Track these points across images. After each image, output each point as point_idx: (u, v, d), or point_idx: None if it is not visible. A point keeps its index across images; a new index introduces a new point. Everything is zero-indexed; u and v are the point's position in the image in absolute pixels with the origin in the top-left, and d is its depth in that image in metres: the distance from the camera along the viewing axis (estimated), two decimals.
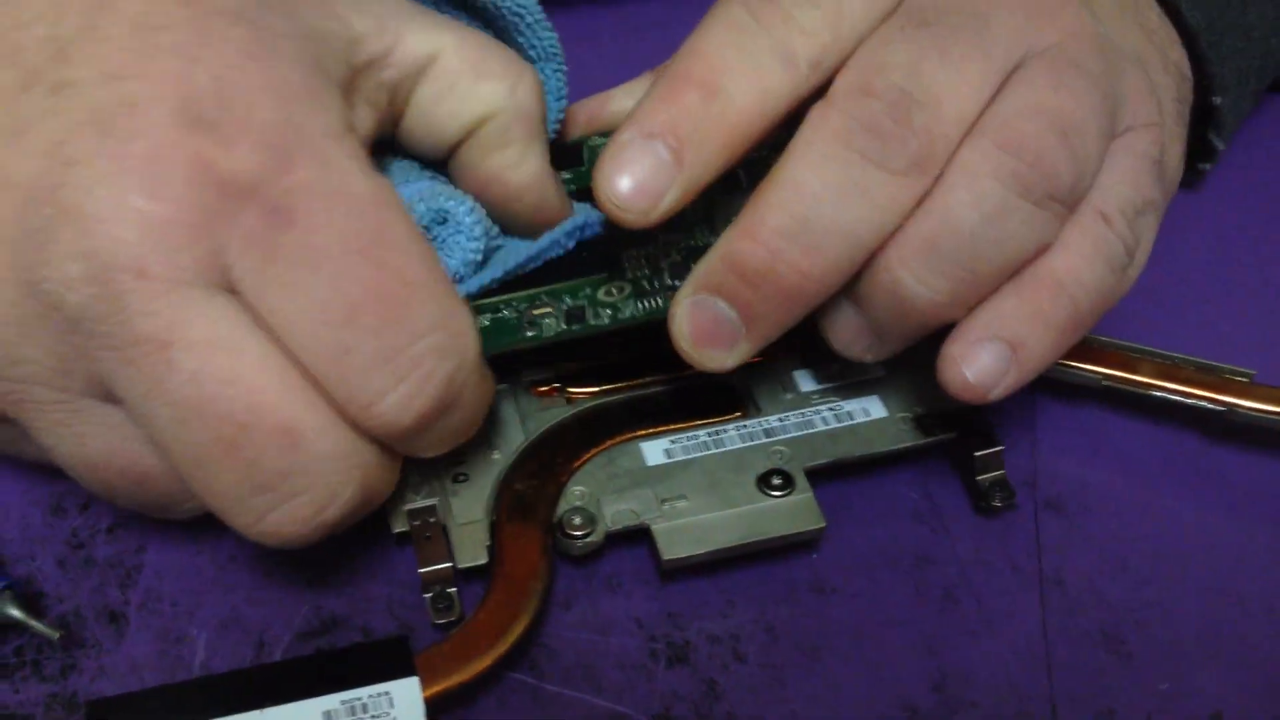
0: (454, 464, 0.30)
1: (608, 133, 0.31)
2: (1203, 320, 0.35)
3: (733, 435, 0.31)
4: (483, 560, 0.28)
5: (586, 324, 0.29)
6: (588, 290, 0.29)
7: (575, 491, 0.30)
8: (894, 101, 0.26)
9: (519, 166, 0.29)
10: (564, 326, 0.29)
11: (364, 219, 0.24)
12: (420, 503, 0.29)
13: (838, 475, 0.31)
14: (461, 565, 0.28)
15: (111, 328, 0.23)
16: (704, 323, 0.27)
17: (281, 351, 0.24)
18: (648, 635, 0.28)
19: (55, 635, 0.26)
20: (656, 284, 0.30)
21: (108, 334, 0.23)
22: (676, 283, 0.29)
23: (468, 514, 0.29)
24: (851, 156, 0.26)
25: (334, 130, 0.24)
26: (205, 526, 0.29)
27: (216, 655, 0.27)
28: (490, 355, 0.27)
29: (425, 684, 0.26)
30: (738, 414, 0.31)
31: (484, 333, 0.27)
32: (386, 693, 0.26)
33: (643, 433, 0.31)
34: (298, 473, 0.24)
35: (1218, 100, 0.37)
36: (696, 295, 0.27)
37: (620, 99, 0.33)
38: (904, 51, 0.26)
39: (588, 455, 0.30)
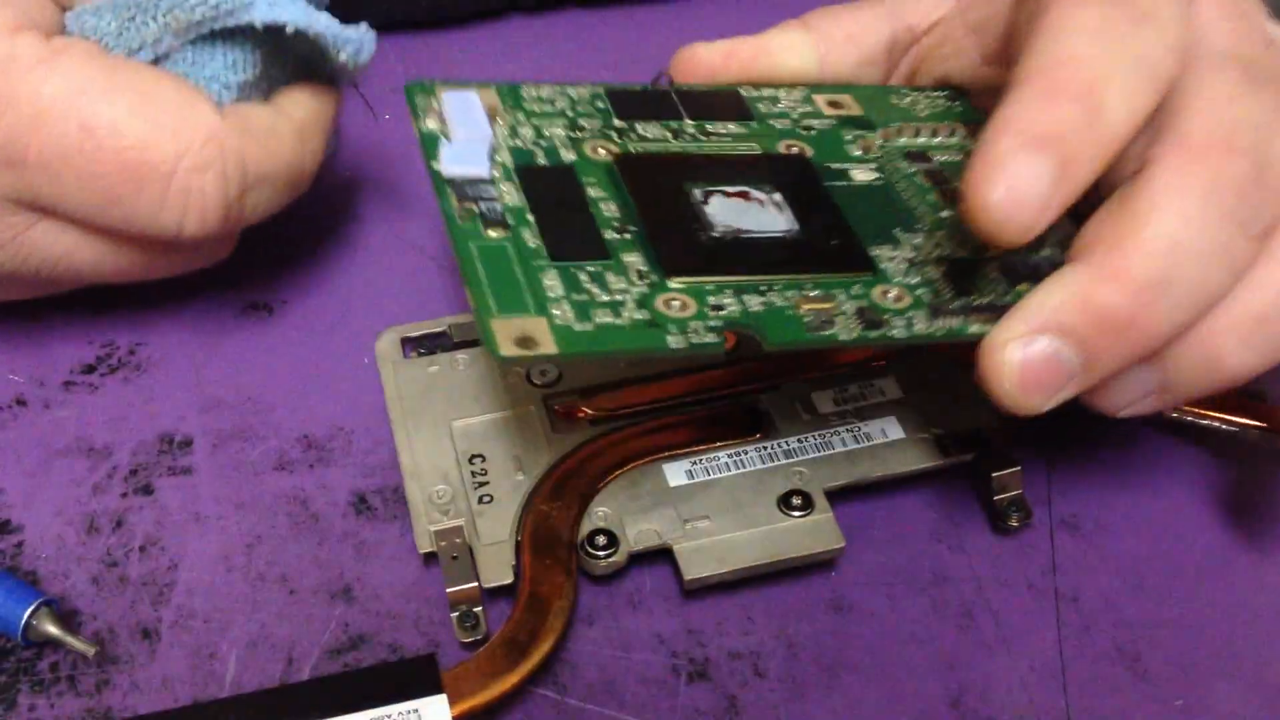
0: (480, 485, 0.31)
1: (764, 85, 0.32)
2: None
3: (753, 456, 0.32)
4: (508, 580, 0.29)
5: (883, 334, 0.26)
6: (858, 290, 0.27)
7: (599, 512, 0.30)
8: (1255, 163, 0.25)
9: None
10: (860, 333, 0.26)
11: None
12: (447, 524, 0.30)
13: (857, 495, 0.31)
14: (487, 585, 0.29)
15: None
16: (1039, 365, 0.26)
17: None
18: (669, 652, 0.29)
19: (91, 651, 0.27)
20: (939, 297, 0.27)
21: None
22: (966, 301, 0.27)
23: (493, 534, 0.30)
24: (1221, 216, 0.25)
25: None
26: (236, 547, 0.30)
27: (247, 671, 0.28)
28: (774, 347, 0.26)
29: (453, 702, 0.26)
30: (758, 435, 0.32)
31: (762, 319, 0.26)
32: (415, 710, 0.26)
33: (665, 454, 0.31)
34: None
35: None
36: (1036, 336, 0.26)
37: (780, 52, 0.32)
38: (1255, 109, 0.26)
39: (611, 476, 0.31)
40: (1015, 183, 0.25)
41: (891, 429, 0.32)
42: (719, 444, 0.32)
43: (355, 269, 0.37)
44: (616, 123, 0.30)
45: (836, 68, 0.33)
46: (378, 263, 0.37)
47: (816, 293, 0.27)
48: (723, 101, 0.32)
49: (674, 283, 0.26)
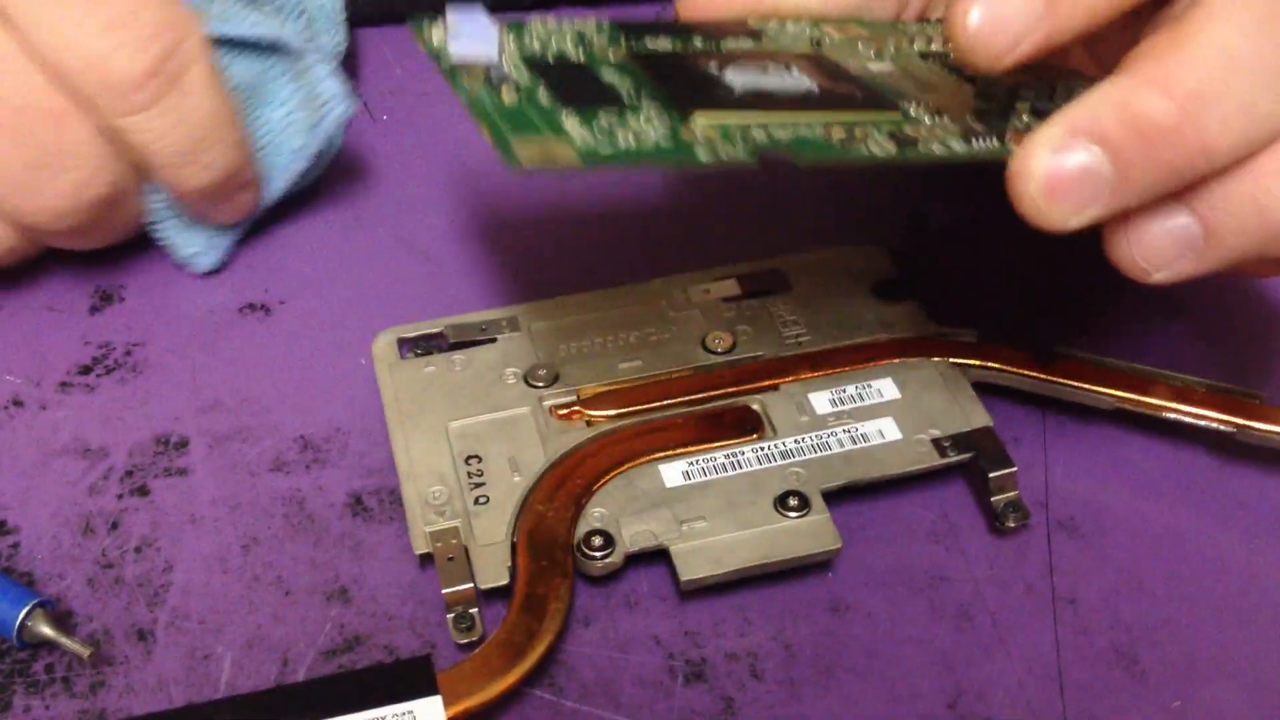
0: (476, 486, 0.30)
1: (771, 19, 0.32)
2: (1213, 342, 0.36)
3: (750, 457, 0.31)
4: (504, 581, 0.29)
5: (919, 151, 0.26)
6: (888, 123, 0.27)
7: (595, 513, 0.30)
8: None
9: None
10: (897, 150, 0.26)
11: None
12: (443, 524, 0.30)
13: (854, 496, 0.31)
14: (483, 586, 0.29)
15: None
16: (1068, 172, 0.25)
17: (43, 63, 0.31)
18: (666, 653, 0.29)
19: (86, 652, 0.27)
20: (973, 126, 0.27)
21: None
22: (1002, 126, 0.27)
23: (489, 535, 0.30)
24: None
25: None
26: (232, 548, 0.30)
27: (242, 673, 0.28)
28: (806, 163, 0.25)
29: (448, 703, 0.26)
30: (755, 436, 0.32)
31: (791, 143, 0.26)
32: (410, 712, 0.26)
33: (661, 455, 0.31)
34: (66, 151, 0.31)
35: None
36: (1069, 140, 0.25)
37: None
38: None
39: (607, 477, 0.31)
40: (992, 4, 0.25)
41: (889, 429, 0.32)
42: (716, 444, 0.32)
43: (353, 269, 0.37)
44: (625, 42, 0.30)
45: (843, 3, 0.33)
46: (376, 263, 0.37)
47: (846, 118, 0.26)
48: (732, 29, 0.32)
49: (699, 117, 0.26)
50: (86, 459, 0.32)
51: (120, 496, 0.31)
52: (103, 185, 0.33)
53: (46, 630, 0.27)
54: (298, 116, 0.36)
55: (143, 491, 0.31)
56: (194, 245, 0.36)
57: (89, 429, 0.32)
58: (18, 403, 0.33)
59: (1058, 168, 0.25)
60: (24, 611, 0.27)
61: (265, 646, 0.28)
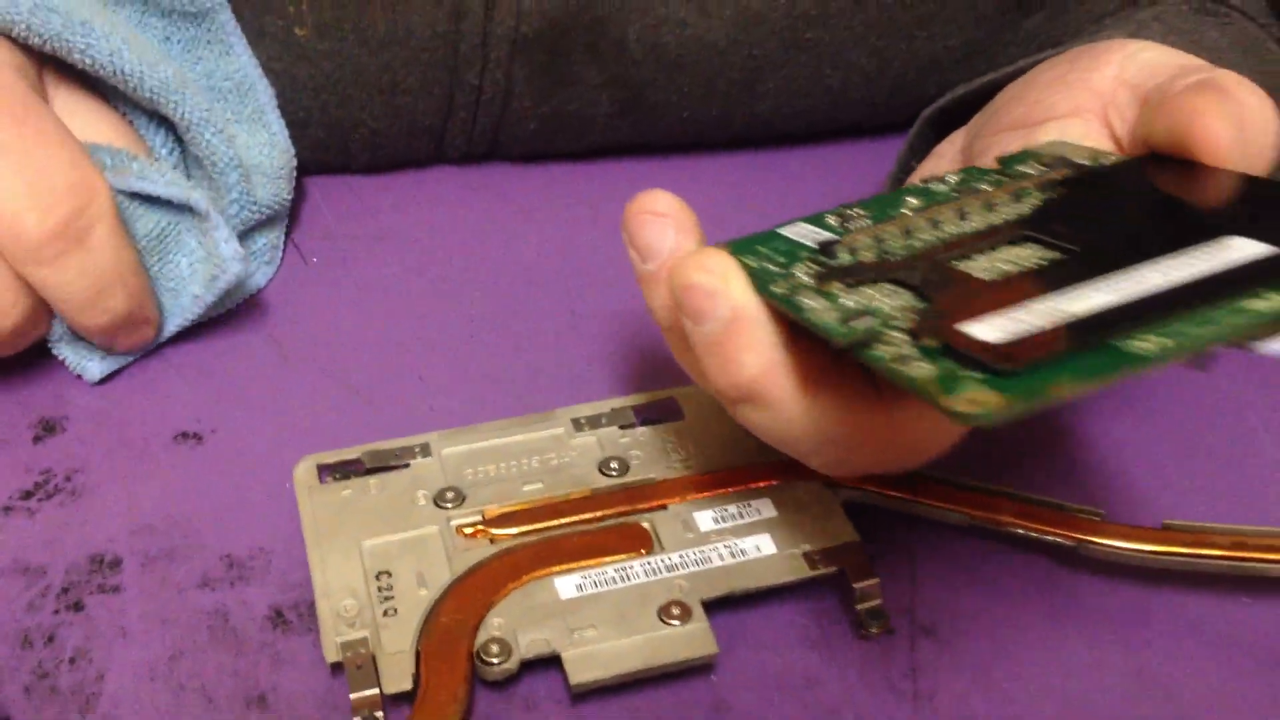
0: (385, 600, 0.33)
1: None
2: (1067, 465, 0.40)
3: (638, 570, 0.35)
4: (407, 686, 0.31)
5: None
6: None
7: (494, 622, 0.33)
8: None
9: None
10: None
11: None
12: (353, 635, 0.32)
13: (737, 605, 0.34)
14: (388, 691, 0.31)
15: None
16: None
17: None
18: None
19: None
20: None
21: None
22: None
23: (396, 645, 0.32)
24: None
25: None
26: (160, 658, 0.33)
27: None
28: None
29: None
30: (643, 551, 0.35)
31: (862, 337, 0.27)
32: None
33: (557, 569, 0.34)
34: None
35: None
36: None
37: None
38: None
39: (507, 590, 0.34)
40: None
41: (765, 545, 0.35)
42: (607, 559, 0.35)
43: (281, 400, 0.40)
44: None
45: None
46: (302, 394, 0.41)
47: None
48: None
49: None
50: (25, 577, 0.34)
51: (56, 612, 0.34)
52: (16, 316, 0.38)
53: None
54: (200, 269, 0.41)
55: (78, 607, 0.34)
56: (88, 361, 0.41)
57: (29, 550, 0.35)
58: None
59: None
60: None
61: None
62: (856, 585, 0.35)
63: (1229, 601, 0.36)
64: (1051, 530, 0.36)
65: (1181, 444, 0.41)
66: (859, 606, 0.35)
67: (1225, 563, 0.35)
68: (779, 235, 0.33)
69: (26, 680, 0.32)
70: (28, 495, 0.37)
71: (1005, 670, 0.34)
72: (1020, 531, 0.36)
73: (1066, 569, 0.36)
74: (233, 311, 0.44)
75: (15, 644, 0.33)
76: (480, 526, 0.36)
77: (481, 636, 0.33)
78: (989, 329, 0.26)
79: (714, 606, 0.34)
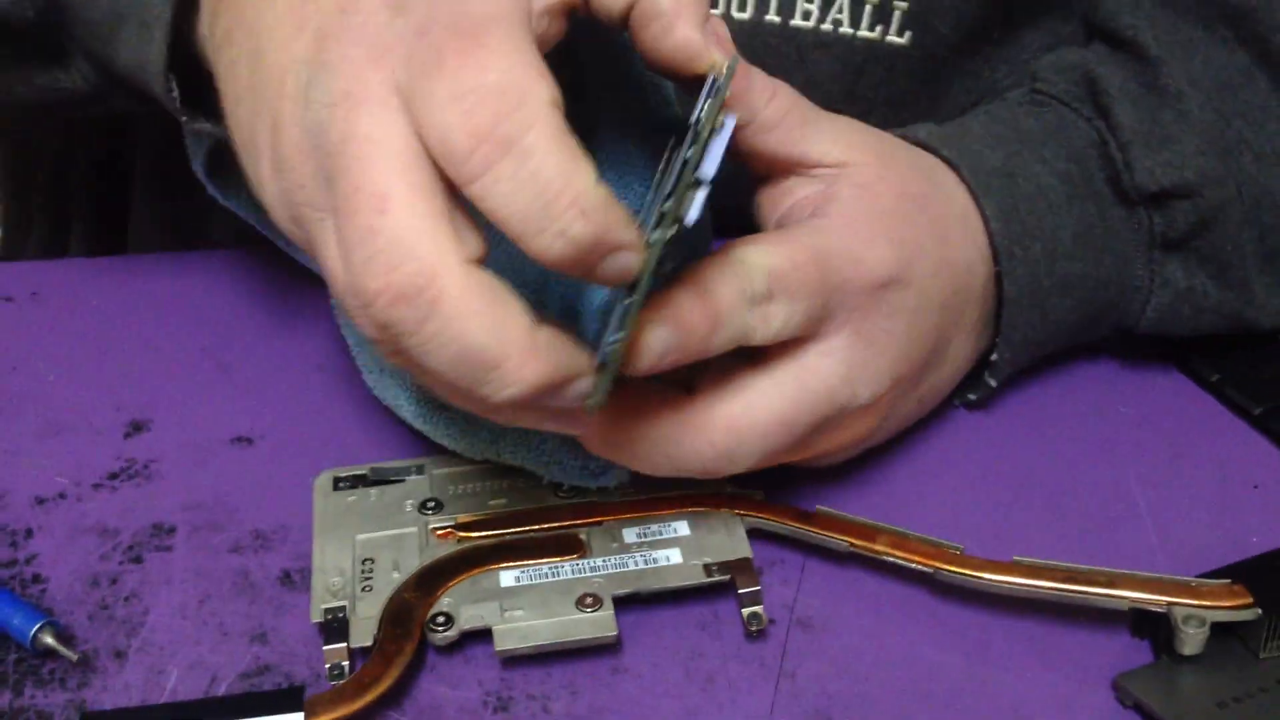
0: (365, 579, 0.43)
1: None
2: (948, 505, 0.47)
3: (567, 569, 0.43)
4: (368, 643, 0.40)
5: None
6: None
7: (444, 601, 0.42)
8: None
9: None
10: None
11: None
12: (334, 603, 0.42)
13: (648, 603, 0.43)
14: (354, 645, 0.40)
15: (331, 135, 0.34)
16: None
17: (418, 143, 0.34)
18: (484, 691, 0.40)
19: (74, 658, 0.40)
20: None
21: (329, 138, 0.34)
22: None
23: (366, 612, 0.41)
24: None
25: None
26: (192, 601, 0.43)
27: (183, 686, 0.40)
28: None
29: (309, 716, 0.38)
30: (575, 555, 0.44)
31: None
32: None
33: (503, 564, 0.43)
34: (382, 232, 0.33)
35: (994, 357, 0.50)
36: None
37: None
38: None
39: (460, 577, 0.43)
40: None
41: (674, 556, 0.44)
42: (544, 559, 0.44)
43: (320, 413, 0.51)
44: None
45: None
46: (337, 408, 0.51)
47: None
48: None
49: None
50: (102, 536, 0.45)
51: (121, 563, 0.44)
52: (405, 273, 0.34)
53: (50, 641, 0.40)
54: None
55: (138, 560, 0.44)
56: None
57: (108, 516, 0.46)
58: (62, 495, 0.47)
59: None
60: (36, 627, 0.40)
61: (203, 669, 0.41)
62: (741, 590, 0.43)
63: (1062, 625, 0.43)
64: (913, 558, 0.43)
65: (1066, 494, 0.49)
66: (743, 610, 0.43)
67: (1058, 592, 0.42)
68: None
69: (90, 610, 0.42)
70: (113, 476, 0.48)
71: (862, 659, 0.42)
72: (889, 558, 0.44)
73: (927, 590, 0.44)
74: (293, 336, 0.54)
75: (87, 584, 0.43)
76: (450, 529, 0.45)
77: (433, 610, 0.42)
78: None
79: (629, 602, 0.42)
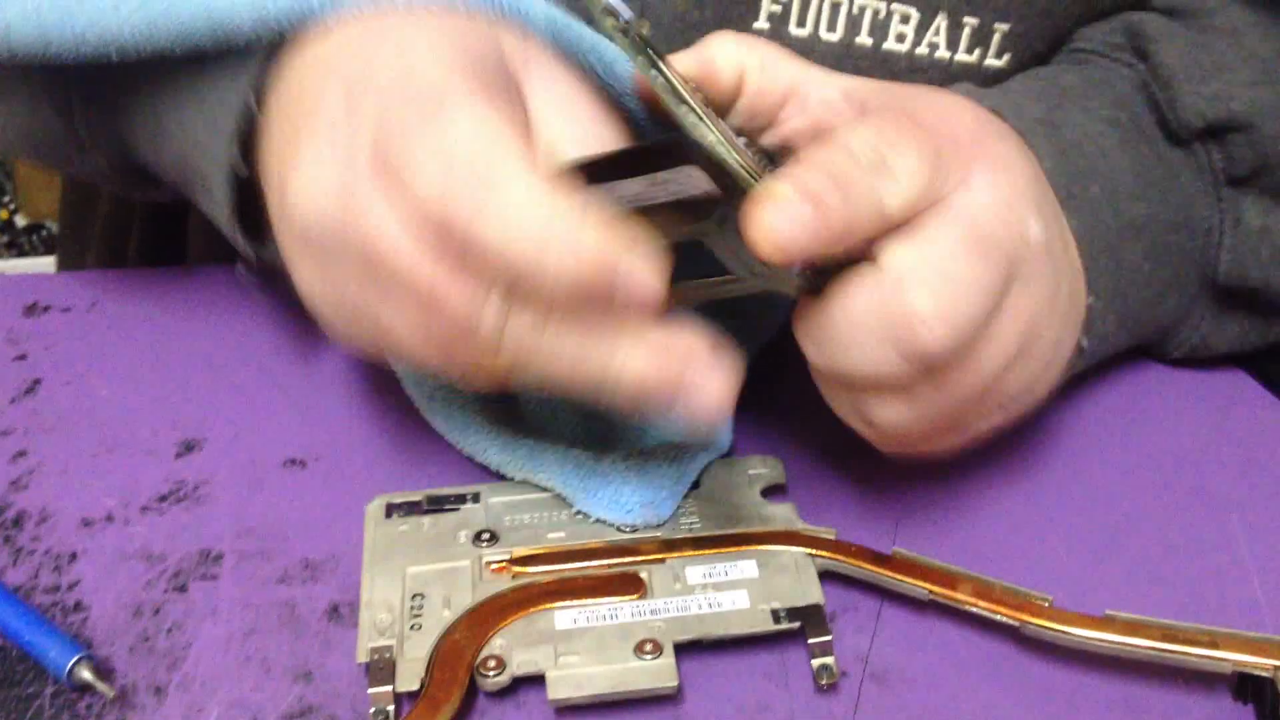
0: (415, 616, 0.41)
1: None
2: (1035, 551, 0.44)
3: (626, 611, 0.41)
4: (415, 687, 0.38)
5: None
6: None
7: (496, 643, 0.40)
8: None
9: None
10: None
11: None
12: (382, 642, 0.40)
13: (711, 649, 0.40)
14: (399, 690, 0.39)
15: None
16: None
17: None
18: None
19: (111, 694, 0.38)
20: None
21: None
22: None
23: (413, 653, 0.40)
24: None
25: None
26: (236, 634, 0.41)
27: None
28: None
29: None
30: (635, 595, 0.42)
31: None
32: None
33: (559, 604, 0.41)
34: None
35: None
36: None
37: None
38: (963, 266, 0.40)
39: (514, 617, 0.41)
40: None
41: (740, 599, 0.41)
42: (602, 599, 0.41)
43: (374, 438, 0.49)
44: None
45: None
46: (387, 434, 0.49)
47: None
48: None
49: None
50: (148, 562, 0.44)
51: (166, 591, 0.43)
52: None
53: (87, 676, 0.38)
54: None
55: (183, 589, 0.43)
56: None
57: (155, 541, 0.44)
58: (109, 518, 0.45)
59: None
60: (73, 661, 0.38)
61: (243, 708, 0.39)
62: (811, 640, 0.40)
63: (1157, 687, 0.40)
64: (999, 609, 0.41)
65: (1164, 541, 0.45)
66: (813, 661, 0.40)
67: (1154, 652, 0.39)
68: None
69: (131, 641, 0.41)
70: (163, 499, 0.46)
71: (940, 718, 0.39)
72: (972, 609, 0.41)
73: (1013, 644, 0.41)
74: (352, 354, 0.53)
75: (130, 613, 0.42)
76: (505, 564, 0.43)
77: (484, 653, 0.40)
78: None
79: (692, 648, 0.40)
